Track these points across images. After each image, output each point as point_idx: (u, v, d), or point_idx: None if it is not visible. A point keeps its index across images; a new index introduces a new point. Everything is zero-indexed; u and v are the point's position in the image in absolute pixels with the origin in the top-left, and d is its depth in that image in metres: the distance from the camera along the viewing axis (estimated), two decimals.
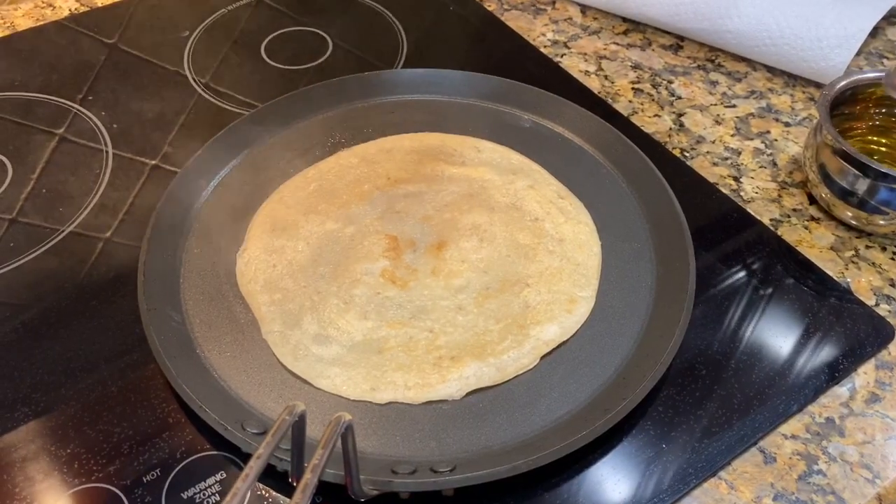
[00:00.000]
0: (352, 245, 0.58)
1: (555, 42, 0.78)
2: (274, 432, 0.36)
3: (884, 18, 0.78)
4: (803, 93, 0.72)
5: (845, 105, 0.63)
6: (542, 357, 0.52)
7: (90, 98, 0.72)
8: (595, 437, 0.46)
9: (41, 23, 0.80)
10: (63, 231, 0.61)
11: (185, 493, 0.46)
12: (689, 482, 0.47)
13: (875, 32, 0.78)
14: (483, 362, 0.51)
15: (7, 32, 0.79)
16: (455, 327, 0.53)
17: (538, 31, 0.79)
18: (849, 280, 0.58)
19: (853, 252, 0.60)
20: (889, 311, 0.56)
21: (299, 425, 0.40)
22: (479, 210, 0.59)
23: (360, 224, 0.59)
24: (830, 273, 0.58)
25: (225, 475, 0.47)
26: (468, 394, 0.50)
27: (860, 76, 0.62)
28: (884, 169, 0.56)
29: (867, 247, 0.60)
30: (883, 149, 0.64)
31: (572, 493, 0.46)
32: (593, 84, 0.73)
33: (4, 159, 0.66)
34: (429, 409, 0.49)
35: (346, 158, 0.64)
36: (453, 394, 0.50)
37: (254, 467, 0.35)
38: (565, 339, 0.52)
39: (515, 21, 0.80)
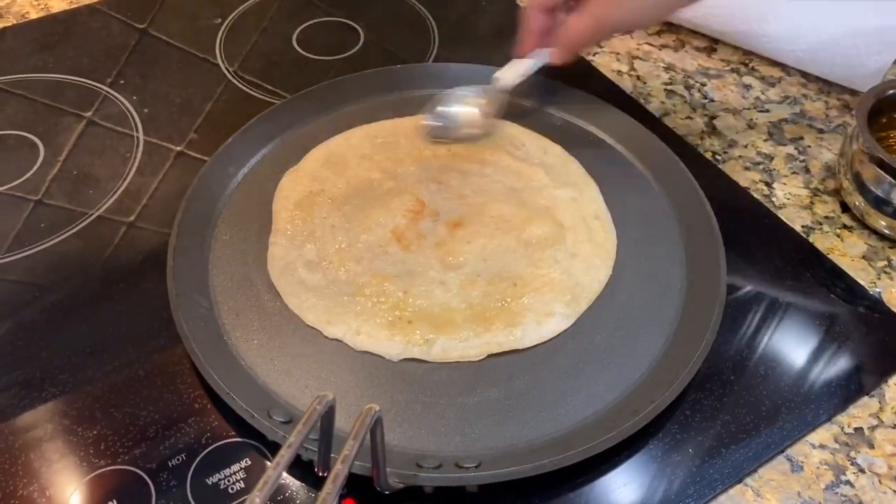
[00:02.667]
0: (383, 197, 0.59)
1: None
2: (305, 421, 0.36)
3: None
4: (838, 100, 0.72)
5: (882, 113, 0.62)
6: (566, 356, 0.52)
7: (121, 82, 0.72)
8: (622, 438, 0.45)
9: (75, 5, 0.81)
10: (92, 214, 0.61)
11: (210, 478, 0.46)
12: (714, 488, 0.46)
13: None
14: (435, 335, 0.51)
15: (41, 14, 0.80)
16: (429, 298, 0.53)
17: None
18: (880, 290, 0.57)
19: (886, 262, 0.59)
20: None
21: (329, 415, 0.40)
22: (512, 204, 0.59)
23: (402, 182, 0.61)
24: (862, 282, 0.57)
25: (250, 462, 0.47)
26: (492, 387, 0.50)
27: None
28: None
29: None
30: None
31: (596, 493, 0.46)
32: (626, 84, 0.73)
33: (36, 140, 0.67)
34: (454, 403, 0.49)
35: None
36: (392, 354, 0.51)
37: (285, 455, 0.35)
38: (518, 347, 0.52)
39: None
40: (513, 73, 0.62)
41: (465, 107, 0.61)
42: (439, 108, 0.61)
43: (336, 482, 0.34)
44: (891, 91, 0.61)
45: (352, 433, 0.37)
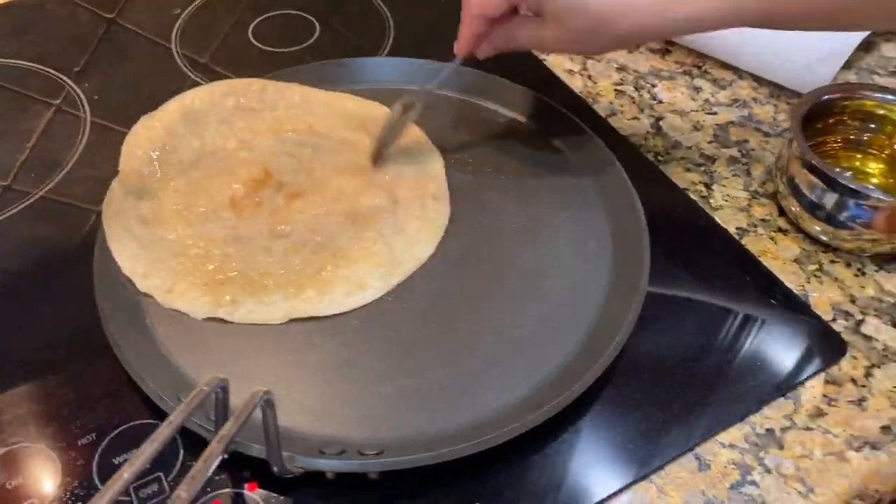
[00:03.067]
0: (232, 164, 0.61)
1: None
2: (188, 402, 0.37)
3: (878, 34, 0.77)
4: (787, 104, 0.72)
5: (822, 118, 0.62)
6: (484, 349, 0.52)
7: (75, 69, 0.73)
8: (524, 430, 0.46)
9: None
10: (34, 195, 0.62)
11: (117, 458, 0.47)
12: (618, 483, 0.47)
13: (869, 47, 0.77)
14: (243, 298, 0.53)
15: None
16: (249, 264, 0.55)
17: None
18: (808, 293, 0.57)
19: (817, 266, 0.59)
20: (845, 328, 0.55)
21: (224, 398, 0.41)
22: (356, 180, 0.60)
23: (255, 152, 0.62)
24: (791, 285, 0.57)
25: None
26: (408, 378, 0.50)
27: (837, 89, 0.61)
28: (851, 184, 0.56)
29: (832, 262, 0.59)
30: (856, 164, 0.63)
31: (499, 483, 0.46)
32: (576, 83, 0.73)
33: None
34: (369, 391, 0.50)
35: (291, 94, 0.66)
36: (197, 313, 0.52)
37: (161, 434, 0.35)
38: (320, 314, 0.53)
39: None
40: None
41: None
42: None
43: (208, 461, 0.35)
44: (826, 97, 0.61)
45: (235, 414, 0.37)
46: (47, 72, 0.72)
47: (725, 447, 0.49)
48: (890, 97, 0.61)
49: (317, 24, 0.78)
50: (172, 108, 0.62)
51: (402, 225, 0.58)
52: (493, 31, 0.57)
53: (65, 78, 0.72)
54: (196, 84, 0.71)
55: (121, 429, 0.48)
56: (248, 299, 0.53)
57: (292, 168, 0.61)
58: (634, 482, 0.47)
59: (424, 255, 0.57)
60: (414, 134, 0.64)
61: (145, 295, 0.53)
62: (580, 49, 0.58)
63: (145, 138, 0.60)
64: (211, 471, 0.35)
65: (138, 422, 0.48)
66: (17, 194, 0.62)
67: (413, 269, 0.56)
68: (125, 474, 0.33)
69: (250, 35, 0.77)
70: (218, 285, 0.54)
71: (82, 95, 0.70)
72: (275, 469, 0.43)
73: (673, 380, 0.51)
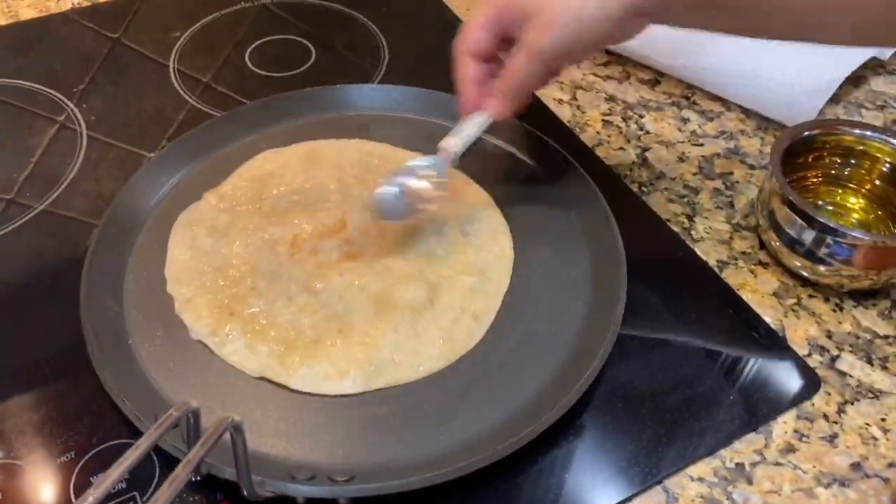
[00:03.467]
0: (320, 204, 0.62)
1: None
2: (157, 426, 0.38)
3: (868, 68, 0.78)
4: (774, 136, 0.72)
5: (803, 153, 0.62)
6: (460, 373, 0.53)
7: (74, 90, 0.74)
8: (494, 460, 0.46)
9: (44, 14, 0.84)
10: (33, 210, 0.63)
11: (94, 477, 0.48)
12: None
13: (857, 82, 0.77)
14: (238, 335, 0.53)
15: (10, 21, 0.83)
16: (266, 304, 0.55)
17: None
18: (784, 328, 0.58)
19: (795, 300, 0.59)
20: (820, 363, 0.56)
21: (194, 422, 0.41)
22: (411, 265, 0.58)
23: (348, 200, 0.62)
24: (768, 319, 0.58)
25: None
26: (381, 399, 0.51)
27: (817, 125, 0.62)
28: (830, 222, 0.56)
29: (811, 296, 0.60)
30: (837, 198, 0.64)
31: None
32: (564, 113, 0.74)
33: None
34: (341, 417, 0.50)
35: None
36: (189, 326, 0.54)
37: (129, 458, 0.36)
38: (287, 385, 0.51)
39: None
40: (458, 139, 0.57)
41: (415, 181, 0.57)
42: (385, 188, 0.57)
43: (172, 485, 0.36)
44: (807, 132, 0.61)
45: (201, 440, 0.38)
46: (48, 92, 0.74)
47: (694, 480, 0.49)
48: (869, 133, 0.61)
49: (313, 50, 0.80)
50: (301, 147, 0.66)
51: (422, 329, 0.54)
52: (491, 79, 0.56)
53: (65, 99, 0.73)
54: (195, 107, 0.73)
55: (99, 448, 0.49)
56: (240, 339, 0.53)
57: (369, 228, 0.60)
58: None
59: (423, 373, 0.53)
60: (503, 244, 0.61)
61: (169, 306, 0.56)
62: (564, 41, 0.51)
63: (260, 165, 0.64)
64: (175, 493, 0.36)
65: (116, 441, 0.49)
66: (20, 208, 0.64)
67: (404, 381, 0.52)
68: (90, 497, 0.34)
69: (247, 59, 0.78)
70: (227, 314, 0.54)
71: (81, 115, 0.72)
72: (245, 493, 0.44)
73: (645, 411, 0.52)
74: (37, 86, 0.75)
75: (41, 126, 0.71)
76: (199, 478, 0.45)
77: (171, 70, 0.77)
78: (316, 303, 0.55)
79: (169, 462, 0.47)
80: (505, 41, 0.55)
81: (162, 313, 0.55)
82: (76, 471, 0.48)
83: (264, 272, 0.57)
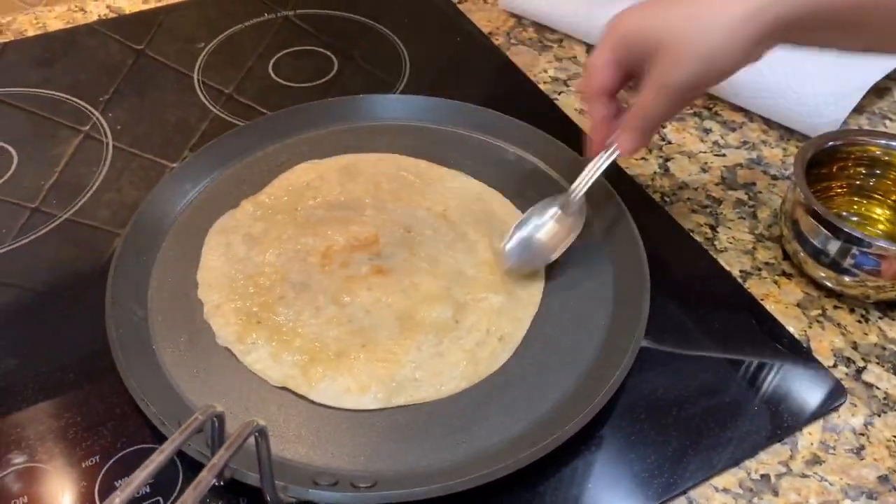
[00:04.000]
0: (354, 217, 0.62)
1: (555, 79, 0.79)
2: (183, 429, 0.38)
3: (892, 78, 0.78)
4: (797, 147, 0.72)
5: (827, 163, 0.62)
6: (482, 385, 0.53)
7: (100, 99, 0.75)
8: (516, 469, 0.46)
9: (70, 25, 0.85)
10: (57, 219, 0.64)
11: (119, 481, 0.48)
12: None
13: (882, 93, 0.77)
14: (264, 342, 0.54)
15: (38, 32, 0.84)
16: (293, 314, 0.55)
17: (540, 67, 0.81)
18: (809, 339, 0.57)
19: (820, 311, 0.59)
20: (846, 374, 0.55)
21: (219, 427, 0.42)
22: (438, 283, 0.58)
23: (382, 215, 0.62)
24: (792, 330, 0.57)
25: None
26: (402, 408, 0.51)
27: (843, 134, 0.62)
28: (855, 232, 0.55)
29: (835, 307, 0.59)
30: (862, 209, 0.63)
31: None
32: (585, 123, 0.74)
33: (10, 148, 0.70)
34: (363, 423, 0.50)
35: (451, 178, 0.67)
36: (216, 332, 0.54)
37: (154, 461, 0.36)
38: (307, 396, 0.51)
39: (520, 56, 0.82)
40: (586, 181, 0.58)
41: (546, 232, 0.58)
42: (515, 239, 0.58)
43: (197, 488, 0.36)
44: (831, 143, 0.61)
45: (226, 443, 0.38)
46: (75, 101, 0.75)
47: (719, 491, 0.49)
48: (895, 143, 0.61)
49: (335, 61, 0.80)
50: (339, 160, 0.67)
51: (445, 349, 0.54)
52: (618, 116, 0.55)
53: (91, 108, 0.74)
54: (219, 117, 0.73)
55: (123, 452, 0.49)
56: (265, 347, 0.53)
57: (401, 244, 0.60)
58: None
59: (444, 393, 0.52)
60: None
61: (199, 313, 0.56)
62: (695, 75, 0.49)
63: (298, 175, 0.65)
64: (200, 497, 0.36)
65: (141, 446, 0.50)
66: (45, 216, 0.64)
67: (424, 399, 0.52)
68: (116, 500, 0.34)
69: (270, 70, 0.79)
70: (254, 323, 0.55)
71: (107, 125, 0.73)
72: (268, 498, 0.44)
73: (669, 422, 0.52)
74: (64, 95, 0.76)
75: (67, 135, 0.72)
76: (222, 483, 0.45)
77: (196, 81, 0.78)
78: (342, 316, 0.55)
79: (193, 467, 0.47)
80: (627, 76, 0.54)
81: (186, 319, 0.56)
82: (101, 475, 0.48)
83: (294, 282, 0.57)
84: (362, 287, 0.57)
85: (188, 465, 0.48)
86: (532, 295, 0.58)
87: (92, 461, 0.49)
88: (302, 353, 0.53)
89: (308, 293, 0.57)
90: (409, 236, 0.61)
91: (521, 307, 0.57)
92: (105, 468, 0.48)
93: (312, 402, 0.51)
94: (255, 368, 0.53)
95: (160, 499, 0.47)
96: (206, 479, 0.36)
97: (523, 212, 0.61)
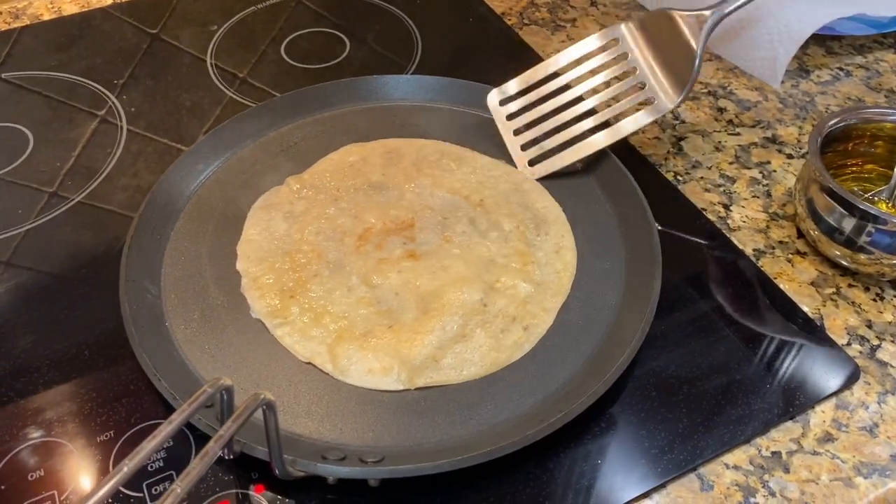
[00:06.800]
0: (394, 201, 0.63)
1: None
2: (191, 401, 0.38)
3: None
4: (812, 125, 0.71)
5: (843, 140, 0.61)
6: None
7: (115, 82, 0.76)
8: (524, 445, 0.46)
9: (85, 9, 0.86)
10: (71, 200, 0.65)
11: None
12: (620, 500, 0.47)
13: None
14: (296, 316, 0.54)
15: (54, 16, 0.85)
16: (325, 292, 0.56)
17: (553, 48, 0.80)
18: (823, 317, 0.56)
19: (834, 289, 0.58)
20: (860, 353, 0.54)
21: (227, 401, 0.42)
22: (470, 268, 0.57)
23: (421, 199, 0.63)
24: (806, 308, 0.57)
25: (171, 443, 0.49)
26: (416, 389, 0.51)
27: (859, 111, 0.61)
28: (871, 209, 0.55)
29: (850, 285, 0.59)
30: (878, 187, 0.62)
31: (499, 496, 0.47)
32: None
33: (26, 131, 0.71)
34: (372, 399, 0.51)
35: (496, 168, 0.66)
36: (251, 304, 0.55)
37: (163, 431, 0.37)
38: (331, 374, 0.52)
39: (532, 36, 0.81)
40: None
41: None
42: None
43: (204, 459, 0.36)
44: (846, 120, 0.60)
45: (233, 416, 0.39)
46: (91, 84, 0.76)
47: (730, 468, 0.49)
48: None
49: (347, 42, 0.80)
50: (383, 144, 0.67)
51: (470, 332, 0.54)
52: None
53: (106, 91, 0.75)
54: (232, 99, 0.74)
55: (137, 427, 0.50)
56: (296, 322, 0.54)
57: (437, 229, 0.60)
58: (636, 500, 0.47)
59: (465, 377, 0.52)
60: (568, 259, 0.59)
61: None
62: None
63: (342, 157, 0.66)
64: (207, 467, 0.36)
65: (154, 421, 0.50)
66: (60, 199, 0.65)
67: (445, 382, 0.52)
68: (124, 468, 0.34)
69: (283, 52, 0.79)
70: (287, 297, 0.55)
71: (122, 108, 0.73)
72: (276, 472, 0.44)
73: (679, 399, 0.51)
74: (79, 79, 0.76)
75: (82, 119, 0.72)
76: (232, 457, 0.46)
77: (209, 64, 0.78)
78: (372, 297, 0.56)
79: (204, 442, 0.47)
80: None
81: (199, 297, 0.56)
82: (115, 449, 0.49)
83: (329, 261, 0.58)
84: (393, 269, 0.57)
85: (200, 442, 0.49)
86: (562, 283, 0.57)
87: (107, 436, 0.50)
88: (330, 331, 0.54)
89: (342, 273, 0.57)
90: (444, 222, 0.61)
91: (549, 296, 0.57)
92: (119, 443, 0.49)
93: (324, 378, 0.52)
94: (284, 343, 0.53)
95: (173, 472, 0.48)
96: (212, 449, 0.37)
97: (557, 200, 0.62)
